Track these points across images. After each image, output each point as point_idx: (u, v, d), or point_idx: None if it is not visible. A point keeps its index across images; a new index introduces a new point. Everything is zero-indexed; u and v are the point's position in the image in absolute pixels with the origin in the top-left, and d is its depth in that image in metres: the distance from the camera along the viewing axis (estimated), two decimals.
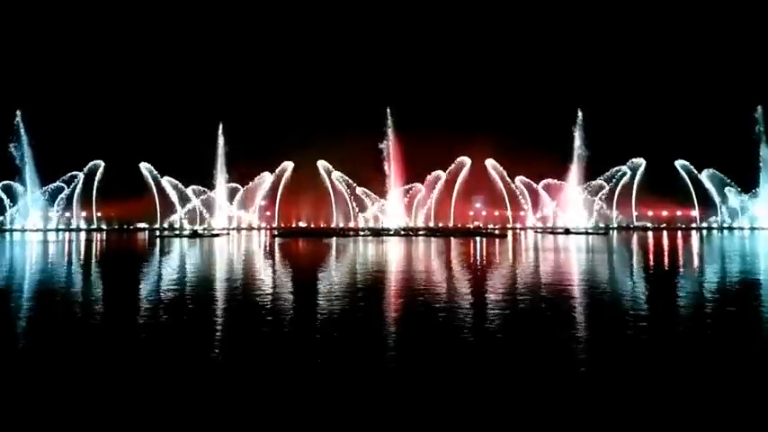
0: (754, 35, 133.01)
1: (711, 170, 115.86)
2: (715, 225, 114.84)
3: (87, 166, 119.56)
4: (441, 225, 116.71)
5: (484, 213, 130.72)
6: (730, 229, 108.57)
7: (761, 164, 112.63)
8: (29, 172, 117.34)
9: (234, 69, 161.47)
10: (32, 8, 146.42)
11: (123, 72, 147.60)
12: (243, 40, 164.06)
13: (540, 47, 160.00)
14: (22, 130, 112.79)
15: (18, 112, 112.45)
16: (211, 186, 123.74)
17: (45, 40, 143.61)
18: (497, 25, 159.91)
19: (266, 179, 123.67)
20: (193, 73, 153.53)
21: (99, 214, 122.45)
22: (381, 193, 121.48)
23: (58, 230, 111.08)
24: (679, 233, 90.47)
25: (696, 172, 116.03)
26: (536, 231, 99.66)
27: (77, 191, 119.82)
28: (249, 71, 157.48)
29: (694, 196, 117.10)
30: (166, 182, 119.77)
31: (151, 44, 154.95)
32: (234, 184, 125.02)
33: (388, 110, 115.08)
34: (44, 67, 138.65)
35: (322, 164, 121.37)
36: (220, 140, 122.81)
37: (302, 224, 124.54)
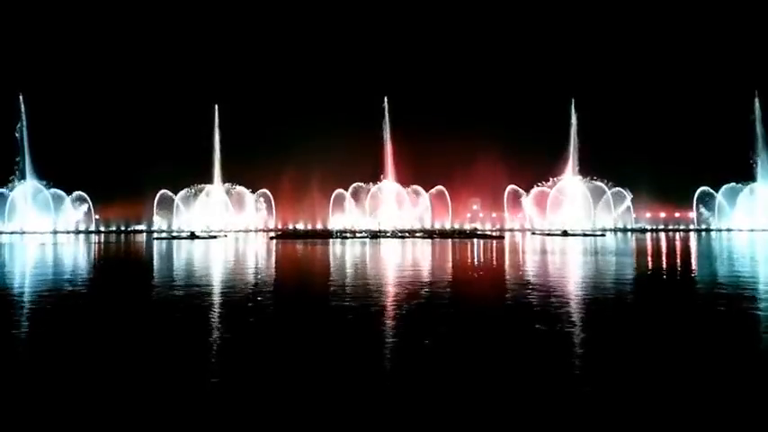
0: (752, 33, 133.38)
1: (731, 184, 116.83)
2: (713, 226, 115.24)
3: (71, 196, 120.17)
4: (438, 227, 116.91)
5: (481, 215, 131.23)
6: (728, 230, 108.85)
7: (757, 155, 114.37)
8: (29, 175, 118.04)
9: (231, 68, 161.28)
10: (31, 9, 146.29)
11: (121, 75, 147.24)
12: (240, 37, 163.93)
13: (537, 47, 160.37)
14: (23, 117, 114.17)
15: (20, 97, 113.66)
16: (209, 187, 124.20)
17: (44, 36, 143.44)
18: (495, 24, 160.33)
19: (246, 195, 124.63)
20: (190, 68, 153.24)
21: (97, 216, 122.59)
22: (379, 194, 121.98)
23: (55, 233, 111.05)
24: (678, 235, 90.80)
25: (714, 192, 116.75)
26: (534, 233, 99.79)
27: (74, 196, 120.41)
28: (246, 68, 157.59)
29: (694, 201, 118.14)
30: (179, 200, 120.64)
31: (147, 43, 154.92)
32: (233, 186, 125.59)
33: (386, 114, 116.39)
34: (44, 66, 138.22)
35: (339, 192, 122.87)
36: (216, 142, 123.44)
37: (299, 226, 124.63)
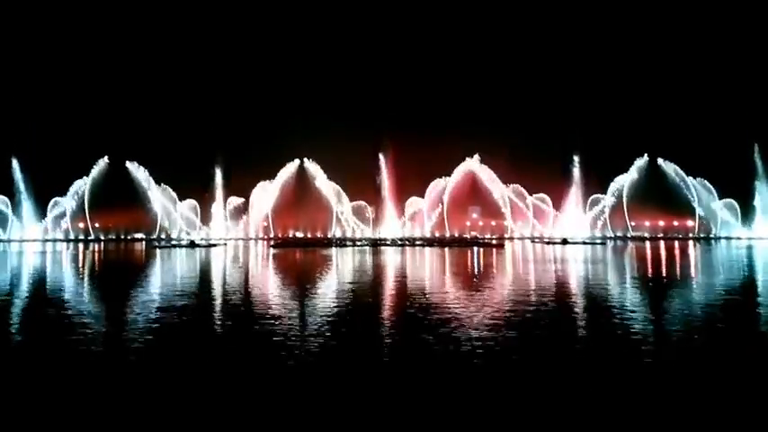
0: (750, 44, 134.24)
1: (700, 179, 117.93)
2: (712, 235, 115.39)
3: (94, 168, 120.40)
4: (437, 236, 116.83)
5: (481, 224, 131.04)
6: (727, 239, 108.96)
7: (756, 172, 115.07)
8: (27, 183, 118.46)
9: (230, 80, 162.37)
10: (31, 25, 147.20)
11: (121, 81, 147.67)
12: (240, 49, 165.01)
13: (538, 55, 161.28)
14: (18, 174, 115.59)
15: (14, 161, 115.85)
16: (209, 197, 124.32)
17: (43, 50, 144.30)
18: (494, 32, 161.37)
19: (266, 188, 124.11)
20: (190, 84, 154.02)
21: (96, 225, 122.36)
22: (378, 203, 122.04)
23: (54, 241, 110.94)
24: (676, 243, 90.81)
25: (684, 176, 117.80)
26: (533, 241, 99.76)
27: (75, 201, 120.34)
28: (246, 81, 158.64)
29: (696, 205, 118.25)
30: (159, 193, 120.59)
31: (148, 55, 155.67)
32: (235, 198, 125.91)
33: (383, 149, 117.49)
34: (42, 80, 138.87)
35: (311, 166, 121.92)
36: (219, 187, 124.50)
37: (299, 234, 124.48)
